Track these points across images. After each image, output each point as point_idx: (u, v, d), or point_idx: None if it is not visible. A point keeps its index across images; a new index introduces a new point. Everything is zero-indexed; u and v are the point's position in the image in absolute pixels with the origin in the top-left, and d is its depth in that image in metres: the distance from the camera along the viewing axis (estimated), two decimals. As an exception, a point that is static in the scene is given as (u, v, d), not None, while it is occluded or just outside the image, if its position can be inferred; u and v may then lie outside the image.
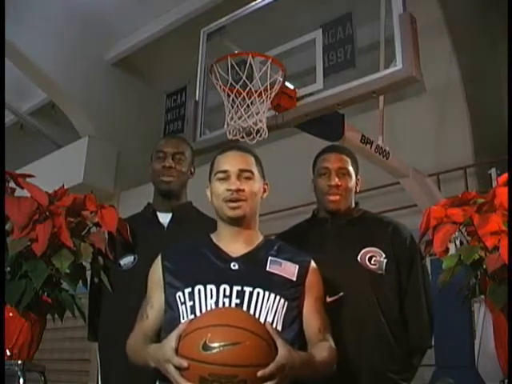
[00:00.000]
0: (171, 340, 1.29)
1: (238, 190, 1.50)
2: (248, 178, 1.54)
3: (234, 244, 1.53)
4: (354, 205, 2.01)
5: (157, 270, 1.54)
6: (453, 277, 1.64)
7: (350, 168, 1.97)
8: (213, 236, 1.59)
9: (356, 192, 2.01)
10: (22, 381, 1.76)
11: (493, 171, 4.45)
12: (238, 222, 1.53)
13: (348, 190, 1.95)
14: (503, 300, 1.52)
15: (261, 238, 1.59)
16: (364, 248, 1.87)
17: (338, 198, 1.92)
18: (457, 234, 1.69)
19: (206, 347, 1.21)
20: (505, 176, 1.67)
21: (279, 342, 1.28)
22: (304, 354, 1.39)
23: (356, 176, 2.00)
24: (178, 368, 1.24)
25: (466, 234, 1.69)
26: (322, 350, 1.44)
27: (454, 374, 3.20)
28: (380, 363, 1.78)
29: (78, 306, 1.85)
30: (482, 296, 1.67)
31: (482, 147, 5.03)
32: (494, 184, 3.69)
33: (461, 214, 1.67)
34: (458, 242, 1.74)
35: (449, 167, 4.83)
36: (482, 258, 1.59)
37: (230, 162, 1.55)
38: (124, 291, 1.86)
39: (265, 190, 1.60)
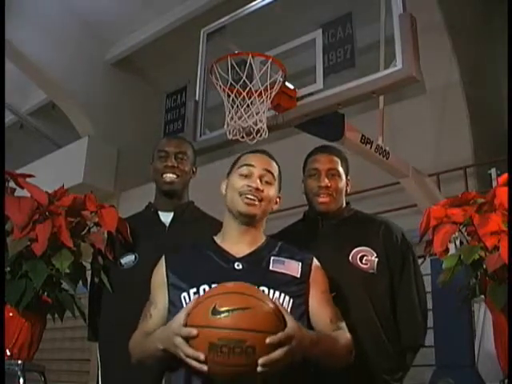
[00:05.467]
0: (180, 317, 1.30)
1: (258, 190, 1.52)
2: (268, 183, 1.57)
3: (238, 244, 1.55)
4: (344, 205, 2.01)
5: (160, 272, 1.54)
6: (453, 277, 1.64)
7: (340, 169, 1.97)
8: (216, 238, 1.61)
9: (347, 192, 2.01)
10: (21, 381, 1.76)
11: (493, 171, 4.45)
12: (248, 220, 1.55)
13: (338, 190, 1.95)
14: (503, 300, 1.52)
15: (264, 239, 1.61)
16: (355, 248, 1.88)
17: (327, 199, 1.93)
18: (457, 233, 1.69)
19: (215, 312, 1.22)
20: (505, 176, 1.67)
21: (288, 317, 1.29)
22: (315, 334, 1.40)
23: (346, 176, 2.00)
24: (187, 340, 1.24)
25: (466, 233, 1.70)
26: (336, 335, 1.45)
27: (454, 374, 3.19)
28: (373, 362, 1.78)
29: (77, 306, 1.85)
30: (482, 296, 1.67)
31: (482, 147, 5.03)
32: (494, 184, 3.71)
33: (461, 213, 1.67)
34: (457, 242, 1.74)
35: (449, 167, 4.83)
36: (482, 258, 1.59)
37: (258, 160, 1.59)
38: (125, 290, 1.87)
39: (276, 202, 1.62)
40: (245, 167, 1.57)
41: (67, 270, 1.78)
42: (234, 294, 1.26)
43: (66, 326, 5.73)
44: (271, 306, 1.28)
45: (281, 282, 1.48)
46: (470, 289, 1.69)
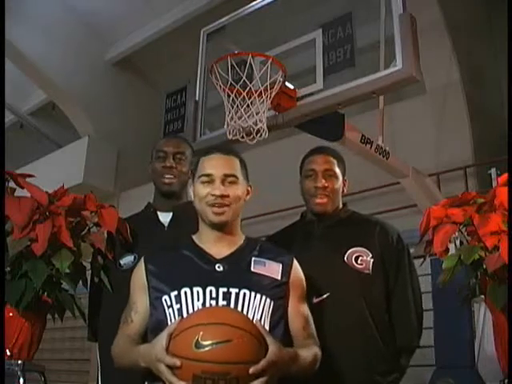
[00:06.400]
0: (162, 339, 1.29)
1: (223, 196, 1.49)
2: (232, 183, 1.52)
3: (217, 246, 1.53)
4: (341, 205, 2.01)
5: (140, 274, 1.53)
6: (453, 277, 1.64)
7: (337, 169, 1.97)
8: (195, 237, 1.59)
9: (343, 192, 2.01)
10: (21, 381, 1.76)
11: (493, 171, 4.45)
12: (221, 227, 1.53)
13: (335, 191, 1.95)
14: (503, 300, 1.52)
15: (243, 238, 1.59)
16: (350, 248, 1.87)
17: (324, 200, 1.93)
18: (457, 233, 1.69)
19: (198, 345, 1.22)
20: (505, 176, 1.67)
21: (269, 339, 1.29)
22: (292, 351, 1.40)
23: (343, 177, 2.00)
24: (170, 367, 1.25)
25: (466, 233, 1.69)
26: (308, 348, 1.45)
27: (454, 374, 3.20)
28: (367, 364, 1.78)
29: (77, 306, 1.85)
30: (482, 296, 1.67)
31: (482, 147, 5.03)
32: (494, 184, 3.71)
33: (461, 213, 1.67)
34: (457, 242, 1.74)
35: (449, 167, 4.84)
36: (482, 258, 1.59)
37: (215, 165, 1.53)
38: (124, 291, 1.86)
39: (248, 193, 1.59)
40: (204, 177, 1.52)
41: (67, 270, 1.78)
42: (216, 325, 1.26)
43: (66, 326, 5.74)
44: (253, 332, 1.28)
45: (262, 285, 1.47)
46: (470, 289, 1.69)
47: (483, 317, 3.24)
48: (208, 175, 1.52)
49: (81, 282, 1.89)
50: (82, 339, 5.80)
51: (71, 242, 1.78)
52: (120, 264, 1.93)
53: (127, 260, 1.93)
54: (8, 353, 1.76)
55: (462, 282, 1.70)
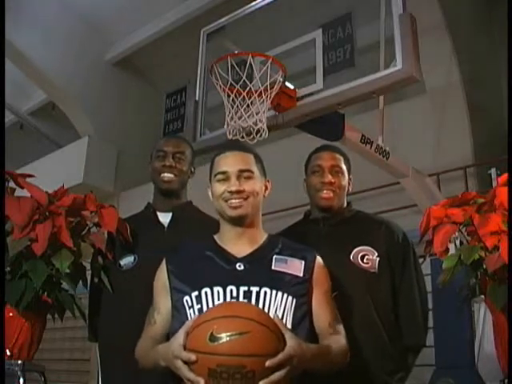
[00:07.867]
0: (179, 337, 1.29)
1: (239, 191, 1.49)
2: (248, 178, 1.53)
3: (238, 244, 1.53)
4: (346, 204, 2.02)
5: (162, 275, 1.53)
6: (453, 277, 1.64)
7: (343, 166, 1.99)
8: (216, 237, 1.58)
9: (348, 191, 2.02)
10: (21, 381, 1.76)
11: (493, 171, 4.45)
12: (241, 222, 1.52)
13: (341, 187, 1.96)
14: (503, 300, 1.52)
15: (265, 236, 1.58)
16: (356, 247, 1.88)
17: (331, 195, 1.93)
18: (457, 233, 1.69)
19: (213, 338, 1.20)
20: (505, 176, 1.67)
21: (288, 334, 1.27)
22: (315, 347, 1.39)
23: (348, 175, 2.01)
24: (187, 363, 1.24)
25: (466, 234, 1.69)
26: (334, 342, 1.44)
27: (454, 374, 3.20)
28: (374, 363, 1.78)
29: (78, 306, 1.85)
30: (482, 296, 1.67)
31: (482, 147, 5.02)
32: (494, 184, 3.71)
33: (461, 214, 1.67)
34: (457, 242, 1.74)
35: (449, 167, 4.83)
36: (482, 258, 1.59)
37: (229, 162, 1.54)
38: (124, 291, 1.86)
39: (266, 188, 1.59)
40: (219, 175, 1.53)
41: (67, 270, 1.78)
42: (231, 317, 1.24)
43: (66, 326, 5.74)
44: (270, 326, 1.25)
45: (283, 282, 1.46)
46: (470, 289, 1.69)
47: (483, 317, 3.24)
48: (223, 173, 1.53)
49: (81, 282, 1.89)
50: (82, 339, 5.80)
51: (71, 242, 1.78)
52: (120, 265, 1.93)
53: (127, 261, 1.93)
54: (8, 353, 1.76)
55: (462, 282, 1.70)
